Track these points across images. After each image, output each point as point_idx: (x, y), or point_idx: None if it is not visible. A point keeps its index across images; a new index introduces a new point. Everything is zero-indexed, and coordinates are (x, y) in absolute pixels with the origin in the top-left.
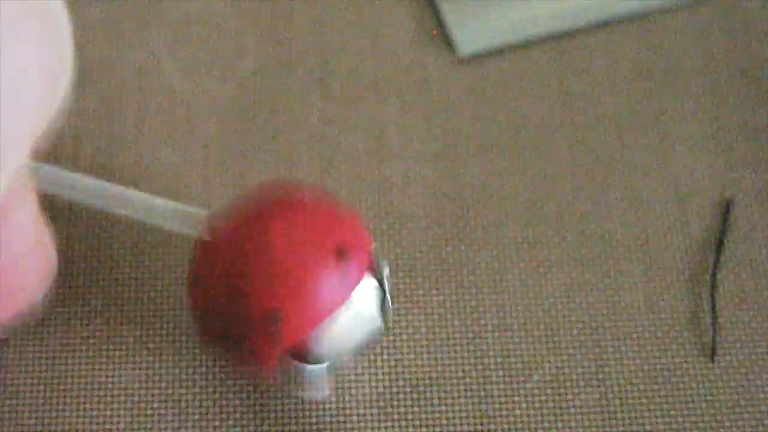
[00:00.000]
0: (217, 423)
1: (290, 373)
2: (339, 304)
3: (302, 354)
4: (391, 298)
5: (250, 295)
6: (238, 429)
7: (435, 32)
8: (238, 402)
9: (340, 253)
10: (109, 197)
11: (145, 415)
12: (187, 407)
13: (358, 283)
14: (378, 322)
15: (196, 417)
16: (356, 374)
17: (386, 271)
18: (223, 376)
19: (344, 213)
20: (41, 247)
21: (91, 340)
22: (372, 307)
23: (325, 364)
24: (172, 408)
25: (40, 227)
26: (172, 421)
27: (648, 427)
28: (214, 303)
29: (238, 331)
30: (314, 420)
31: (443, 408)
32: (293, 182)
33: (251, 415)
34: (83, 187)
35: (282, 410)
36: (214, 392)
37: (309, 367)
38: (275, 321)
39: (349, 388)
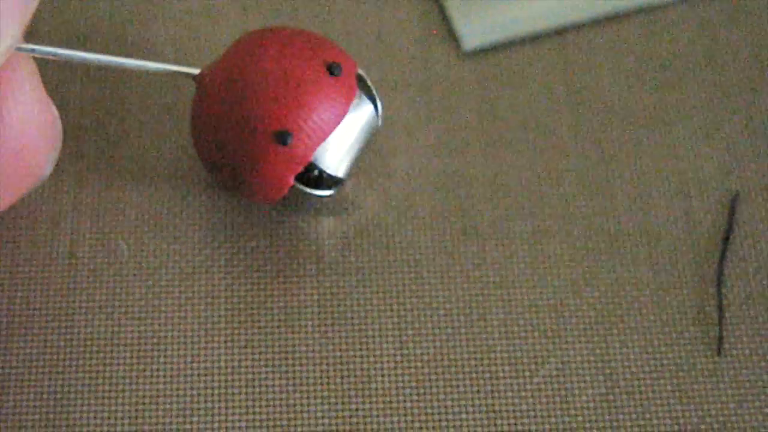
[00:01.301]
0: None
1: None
2: (341, 116)
3: (311, 176)
4: (382, 106)
5: (253, 119)
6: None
7: (435, 31)
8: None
9: (332, 68)
10: (105, 65)
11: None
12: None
13: (353, 95)
14: (374, 126)
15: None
16: (362, 368)
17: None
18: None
19: (327, 38)
20: (46, 122)
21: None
22: (367, 114)
23: (332, 191)
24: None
25: (43, 99)
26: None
27: (655, 422)
28: (219, 135)
29: (248, 157)
30: (319, 414)
31: (449, 402)
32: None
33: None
34: (78, 57)
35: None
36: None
37: (317, 192)
38: (284, 138)
39: (355, 382)
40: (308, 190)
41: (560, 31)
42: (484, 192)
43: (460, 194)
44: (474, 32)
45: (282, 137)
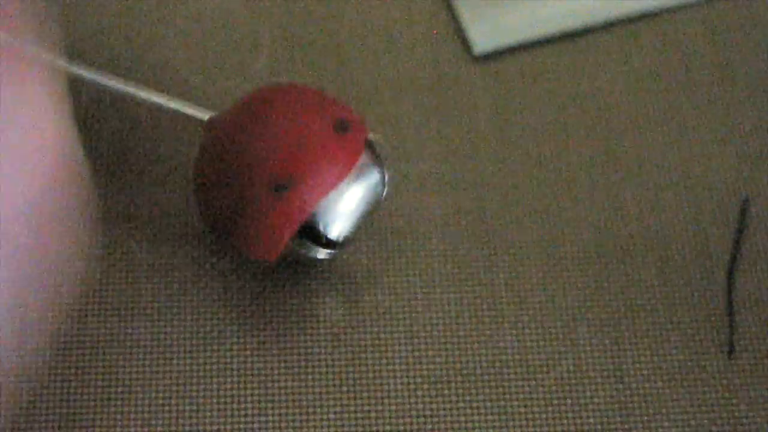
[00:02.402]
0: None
1: (298, 258)
2: (343, 174)
3: (311, 233)
4: (389, 176)
5: (255, 166)
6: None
7: (435, 32)
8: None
9: (340, 125)
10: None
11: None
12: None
13: (358, 155)
14: (379, 193)
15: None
16: (374, 370)
17: (379, 148)
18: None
19: (342, 101)
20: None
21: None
22: (373, 180)
23: (329, 254)
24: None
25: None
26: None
27: (666, 424)
28: (221, 178)
29: (246, 205)
30: (332, 416)
31: (462, 404)
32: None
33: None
34: (98, 80)
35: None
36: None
37: (314, 253)
38: (283, 188)
39: (367, 384)
40: (303, 249)
41: (571, 35)
42: (496, 196)
43: (472, 198)
44: (485, 36)
45: (279, 187)
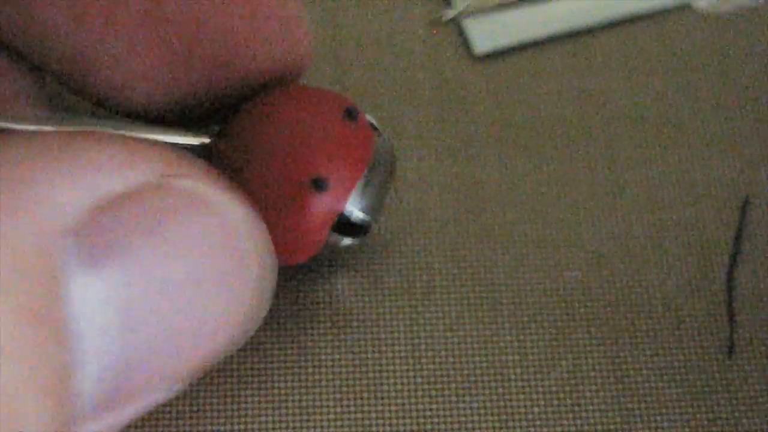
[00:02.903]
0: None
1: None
2: (366, 159)
3: (343, 223)
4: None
5: (290, 169)
6: None
7: (435, 31)
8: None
9: (348, 114)
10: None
11: None
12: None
13: (372, 137)
14: (393, 165)
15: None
16: (374, 370)
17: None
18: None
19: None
20: None
21: None
22: (386, 156)
23: (360, 238)
24: None
25: None
26: None
27: (666, 425)
28: (253, 196)
29: (282, 208)
30: (331, 416)
31: (461, 405)
32: None
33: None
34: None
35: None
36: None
37: (347, 241)
38: (323, 184)
39: (367, 384)
40: (332, 239)
41: (571, 35)
42: (496, 196)
43: (472, 198)
44: (485, 36)
45: (319, 184)
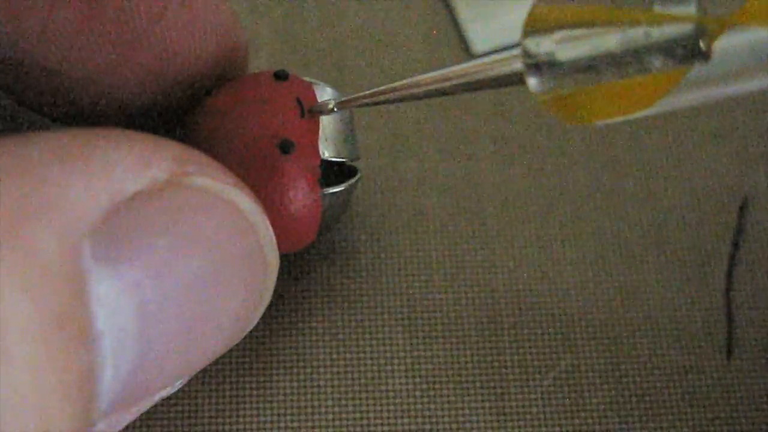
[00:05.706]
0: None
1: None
2: (314, 107)
3: (327, 174)
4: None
5: (251, 139)
6: None
7: (435, 32)
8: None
9: (277, 76)
10: None
11: None
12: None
13: (310, 87)
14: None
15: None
16: (374, 370)
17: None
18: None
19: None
20: None
21: None
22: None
23: (355, 179)
24: None
25: None
26: None
27: (664, 425)
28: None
29: (261, 173)
30: (330, 416)
31: (460, 405)
32: None
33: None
34: None
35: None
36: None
37: (342, 186)
38: (288, 147)
39: (366, 384)
40: (335, 188)
41: None
42: (494, 196)
43: (470, 198)
44: (483, 35)
45: (285, 147)
